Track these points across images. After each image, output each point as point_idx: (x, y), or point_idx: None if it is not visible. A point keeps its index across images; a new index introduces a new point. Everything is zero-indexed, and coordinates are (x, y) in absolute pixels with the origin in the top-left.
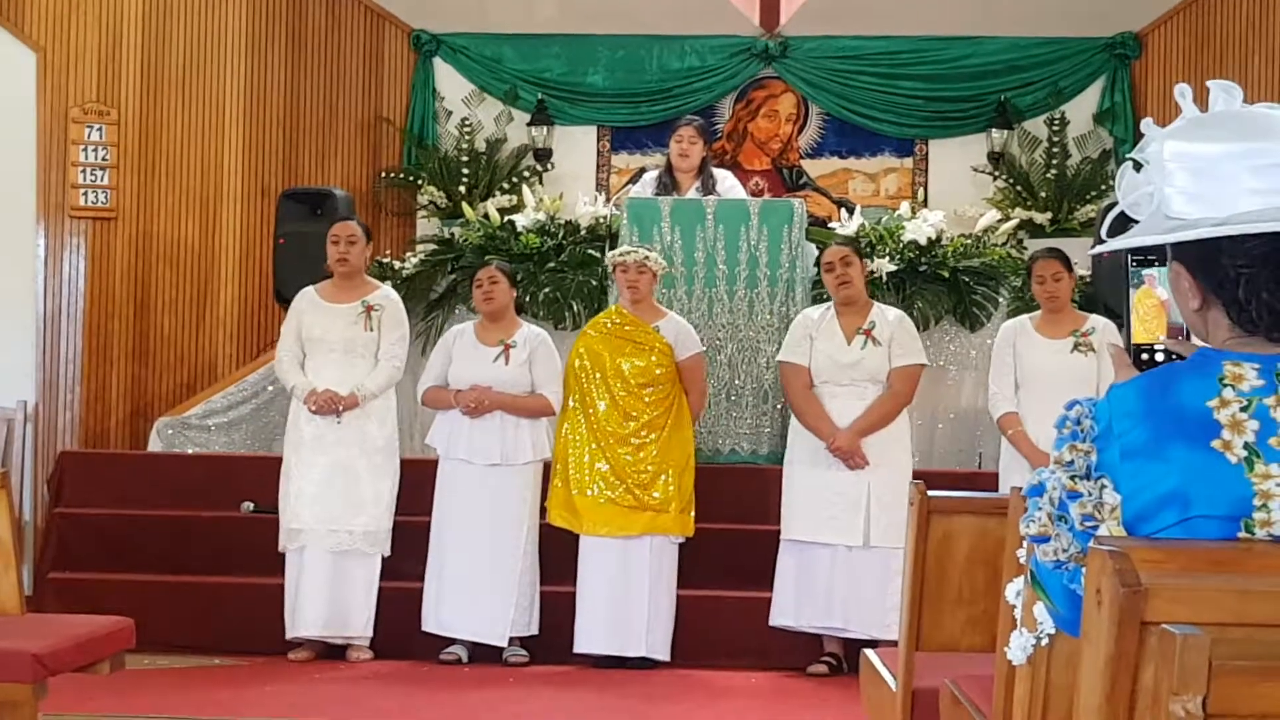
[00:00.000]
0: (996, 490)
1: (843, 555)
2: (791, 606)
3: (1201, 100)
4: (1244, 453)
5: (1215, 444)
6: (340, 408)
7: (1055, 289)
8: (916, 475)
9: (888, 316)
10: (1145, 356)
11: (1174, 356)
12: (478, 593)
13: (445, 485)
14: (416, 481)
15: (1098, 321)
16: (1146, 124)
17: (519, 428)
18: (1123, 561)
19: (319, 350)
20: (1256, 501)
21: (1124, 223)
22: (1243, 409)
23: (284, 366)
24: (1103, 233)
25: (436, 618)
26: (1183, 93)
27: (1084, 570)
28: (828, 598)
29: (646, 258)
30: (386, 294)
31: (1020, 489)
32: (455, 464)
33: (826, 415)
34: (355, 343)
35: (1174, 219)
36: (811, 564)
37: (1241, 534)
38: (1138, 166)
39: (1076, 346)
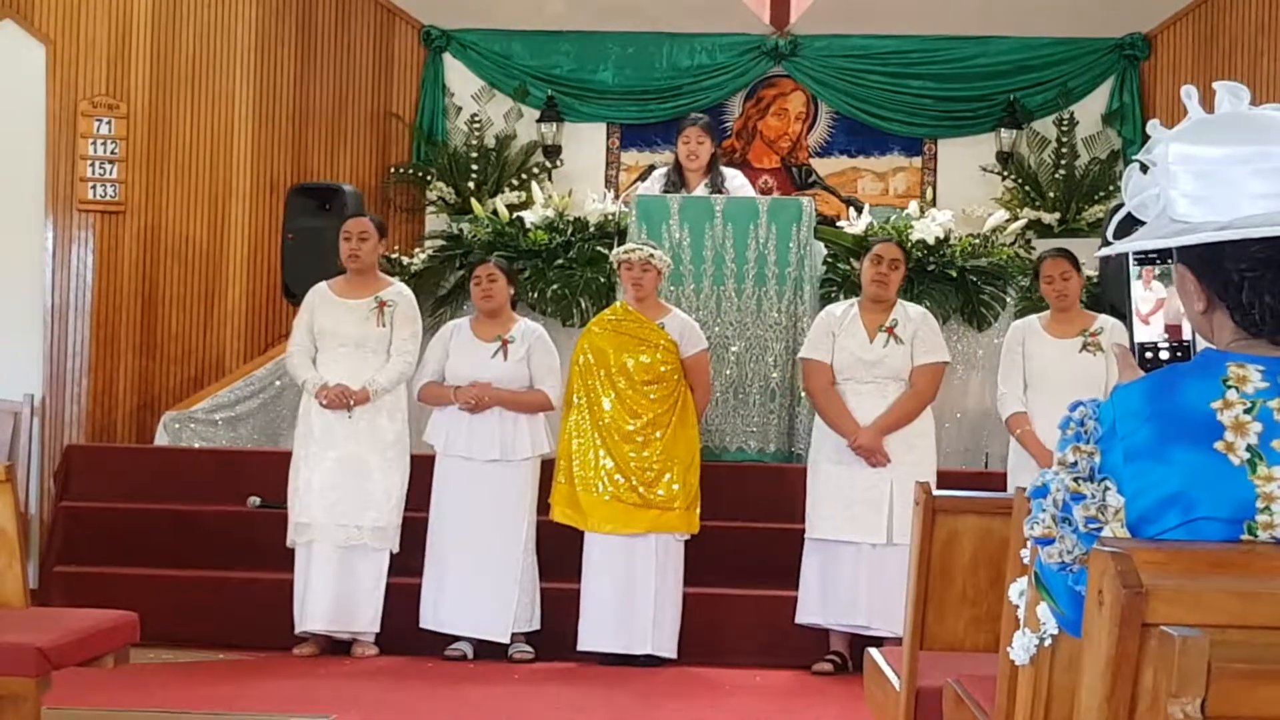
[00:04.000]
0: (1004, 490)
1: (866, 553)
2: (817, 604)
3: (1208, 102)
4: (1247, 455)
5: (1218, 446)
6: (352, 402)
7: (1064, 288)
8: (938, 475)
9: (910, 314)
10: (1150, 355)
11: (1178, 354)
12: (480, 589)
13: (443, 482)
14: (427, 477)
15: (1106, 321)
16: (1153, 125)
17: (518, 423)
18: (1125, 563)
19: (331, 345)
20: (1259, 504)
21: (1130, 224)
22: (1246, 411)
23: (295, 361)
24: (1109, 234)
25: (435, 615)
26: (1189, 94)
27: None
28: (851, 595)
29: (652, 255)
30: (399, 290)
31: (1024, 489)
32: (454, 460)
33: (848, 413)
34: (368, 338)
35: (1179, 221)
36: (835, 561)
37: (1244, 536)
38: (1144, 168)
39: (1085, 346)
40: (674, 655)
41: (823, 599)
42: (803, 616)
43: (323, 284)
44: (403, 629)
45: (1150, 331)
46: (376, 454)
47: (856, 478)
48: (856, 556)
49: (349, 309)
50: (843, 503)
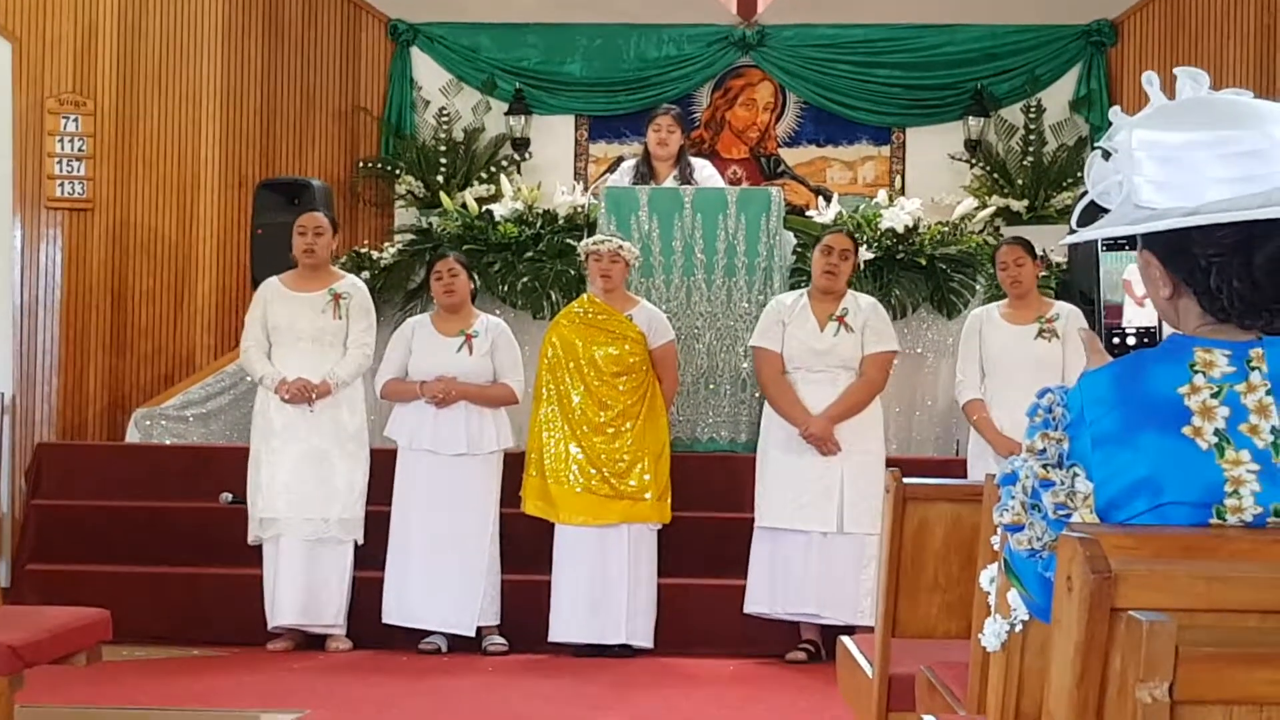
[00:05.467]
0: (965, 477)
1: (817, 541)
2: (765, 594)
3: (1170, 88)
4: (1215, 439)
5: (1186, 430)
6: (313, 396)
7: (1018, 274)
8: (893, 462)
9: (860, 304)
10: (1117, 340)
11: (1145, 340)
12: (446, 582)
13: (407, 476)
14: (386, 471)
15: (1063, 308)
16: (1114, 112)
17: (483, 417)
18: (1093, 548)
19: (286, 340)
20: (1227, 488)
21: (1095, 212)
22: (1213, 395)
23: (250, 357)
24: (1073, 222)
25: (399, 609)
26: (1150, 80)
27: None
28: (801, 584)
29: (620, 247)
30: (353, 282)
31: (994, 476)
32: (418, 455)
33: (799, 402)
34: (324, 332)
35: (1143, 208)
36: (785, 551)
37: (1213, 520)
38: (1106, 155)
39: (1041, 333)
40: (650, 645)
41: (771, 588)
42: (750, 606)
43: (273, 279)
44: (375, 623)
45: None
46: (338, 447)
47: (807, 466)
48: (807, 545)
49: (304, 302)
50: (792, 491)
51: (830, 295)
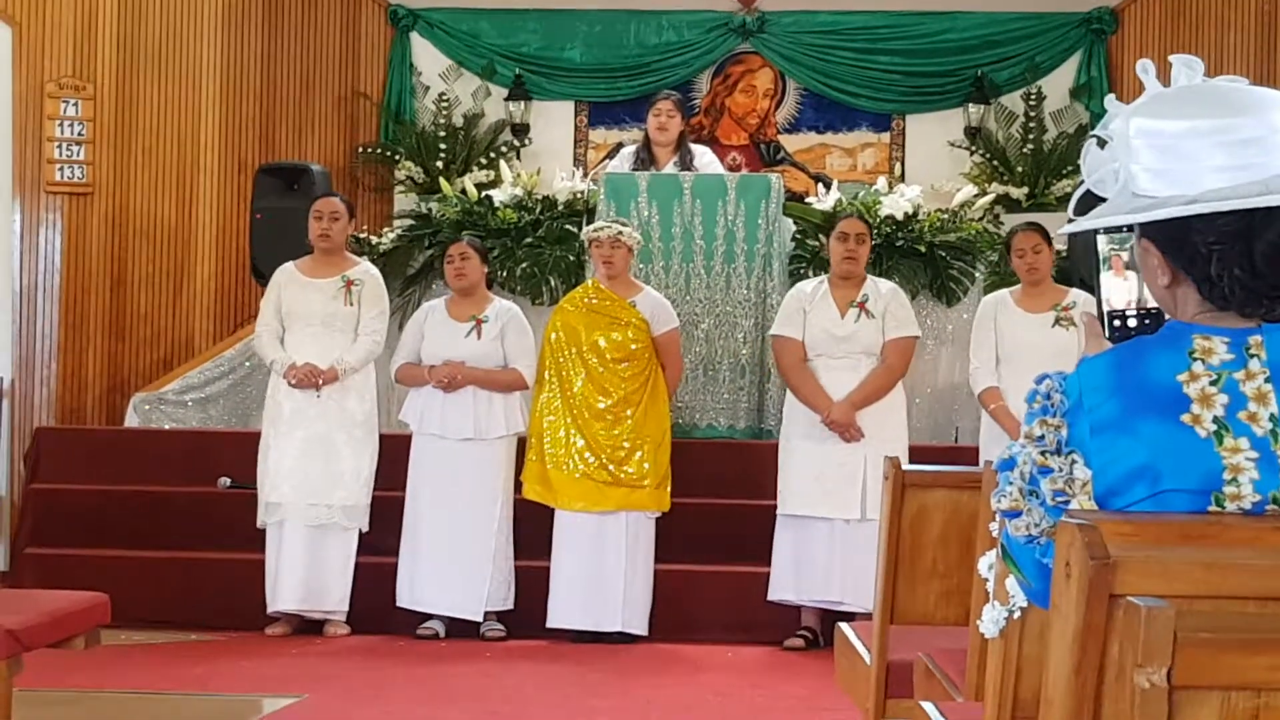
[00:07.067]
0: (976, 464)
1: (840, 529)
2: (790, 581)
3: (1166, 75)
4: (1213, 426)
5: (1185, 418)
6: (320, 382)
7: (1035, 261)
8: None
9: (881, 289)
10: (1118, 324)
11: (1146, 323)
12: (453, 568)
13: (419, 461)
14: (394, 457)
15: (1078, 295)
16: (1110, 100)
17: (492, 402)
18: (1092, 534)
19: (299, 325)
20: (1226, 475)
21: (1092, 200)
22: (1212, 383)
23: (263, 341)
24: (1070, 211)
25: (411, 593)
26: (1145, 68)
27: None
28: (825, 571)
29: (621, 233)
30: (366, 269)
31: (992, 463)
32: (428, 439)
33: (821, 389)
34: (335, 318)
35: (1142, 196)
36: (809, 538)
37: (1212, 508)
38: (1101, 143)
39: (1058, 321)
40: (644, 632)
41: (796, 576)
42: (775, 593)
43: (289, 264)
44: (374, 608)
45: (1119, 301)
46: (345, 433)
47: (830, 453)
48: (830, 532)
49: (317, 288)
50: (816, 479)
51: (850, 281)
